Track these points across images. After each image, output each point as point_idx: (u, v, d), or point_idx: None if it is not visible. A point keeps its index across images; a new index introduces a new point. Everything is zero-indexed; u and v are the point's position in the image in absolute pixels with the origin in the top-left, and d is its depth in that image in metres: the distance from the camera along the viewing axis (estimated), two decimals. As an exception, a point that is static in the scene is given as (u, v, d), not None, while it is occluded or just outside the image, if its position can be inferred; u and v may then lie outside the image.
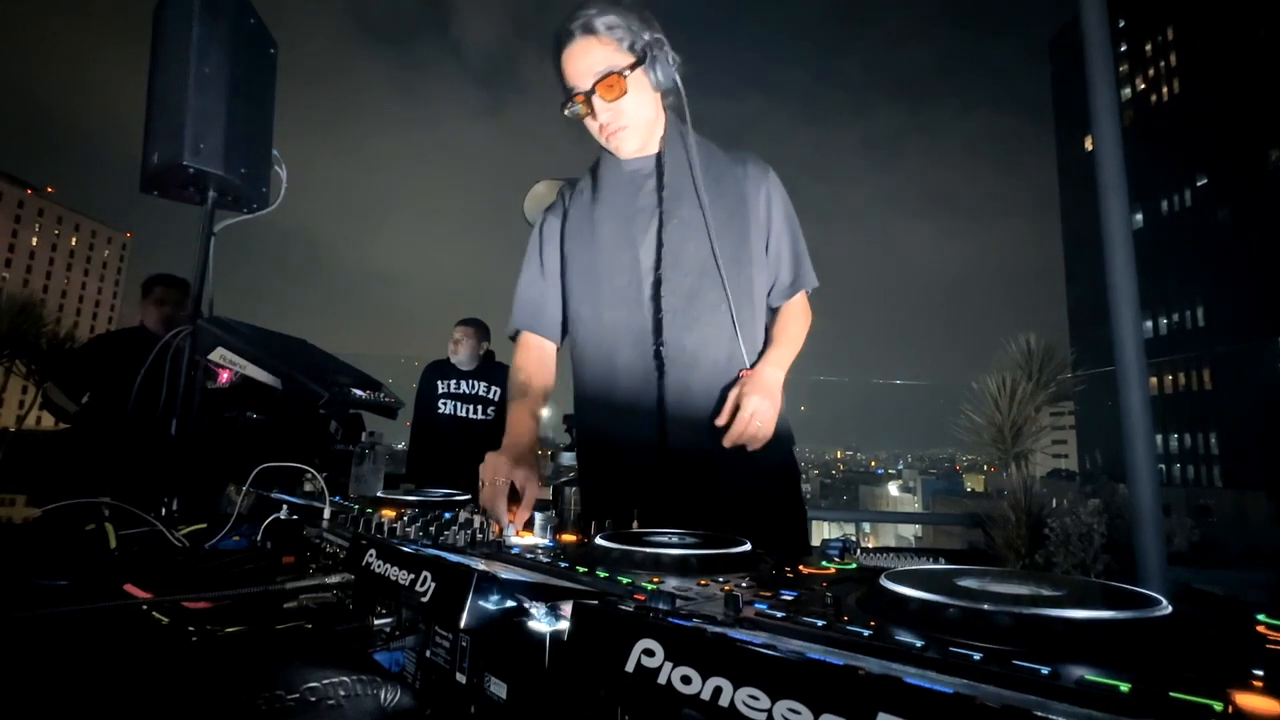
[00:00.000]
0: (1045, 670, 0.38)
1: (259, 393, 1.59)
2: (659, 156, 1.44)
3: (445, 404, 3.95)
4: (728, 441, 1.24)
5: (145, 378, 1.75)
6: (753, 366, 1.36)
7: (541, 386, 1.47)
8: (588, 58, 1.34)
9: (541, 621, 0.57)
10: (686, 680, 0.43)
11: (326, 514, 1.11)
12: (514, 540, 0.96)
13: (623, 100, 1.35)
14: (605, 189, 1.44)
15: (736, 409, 1.26)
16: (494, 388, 3.99)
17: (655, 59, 1.36)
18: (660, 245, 1.37)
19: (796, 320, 1.47)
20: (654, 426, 1.33)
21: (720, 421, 1.26)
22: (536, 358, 1.50)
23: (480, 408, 3.96)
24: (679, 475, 1.30)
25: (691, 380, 1.33)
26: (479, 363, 3.98)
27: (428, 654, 0.69)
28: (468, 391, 3.96)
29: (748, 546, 0.80)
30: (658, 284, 1.36)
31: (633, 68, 1.34)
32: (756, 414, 1.24)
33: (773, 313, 1.49)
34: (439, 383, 3.97)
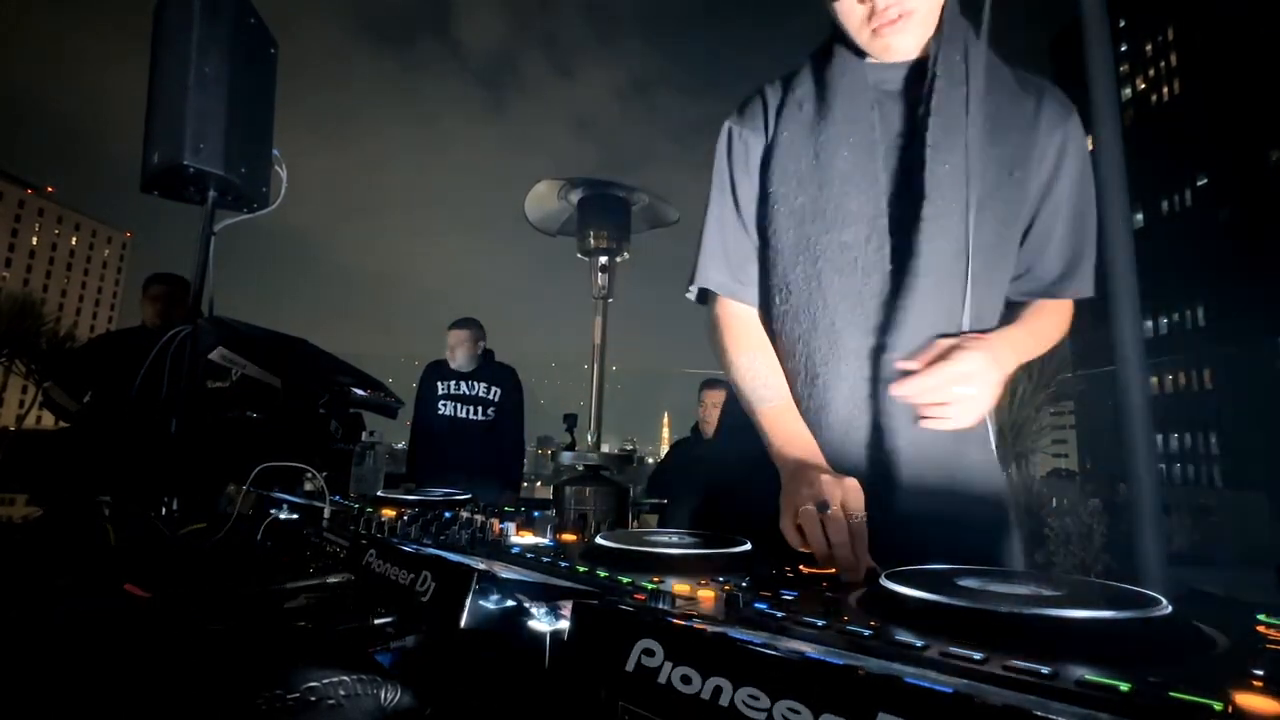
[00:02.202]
0: (1045, 670, 0.38)
1: (259, 392, 1.59)
2: (921, 66, 1.01)
3: (445, 405, 3.95)
4: (901, 389, 0.89)
5: (145, 377, 1.75)
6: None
7: (775, 363, 1.06)
8: None
9: (541, 621, 0.57)
10: (686, 680, 0.43)
11: (326, 514, 1.11)
12: (514, 540, 0.96)
13: None
14: (839, 100, 1.02)
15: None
16: (494, 388, 3.97)
17: None
18: (922, 197, 0.95)
19: (1052, 318, 1.06)
20: (863, 461, 0.98)
21: (918, 363, 0.90)
22: (747, 330, 1.11)
23: (480, 409, 3.95)
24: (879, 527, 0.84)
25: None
26: (479, 363, 3.97)
27: (428, 654, 0.69)
28: (467, 392, 3.95)
29: (748, 546, 0.80)
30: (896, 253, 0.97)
31: None
32: (967, 376, 0.87)
33: (1008, 310, 1.06)
34: (439, 384, 3.97)
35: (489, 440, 3.91)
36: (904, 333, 0.95)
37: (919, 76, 1.01)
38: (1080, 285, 1.04)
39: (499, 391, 3.96)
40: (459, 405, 3.94)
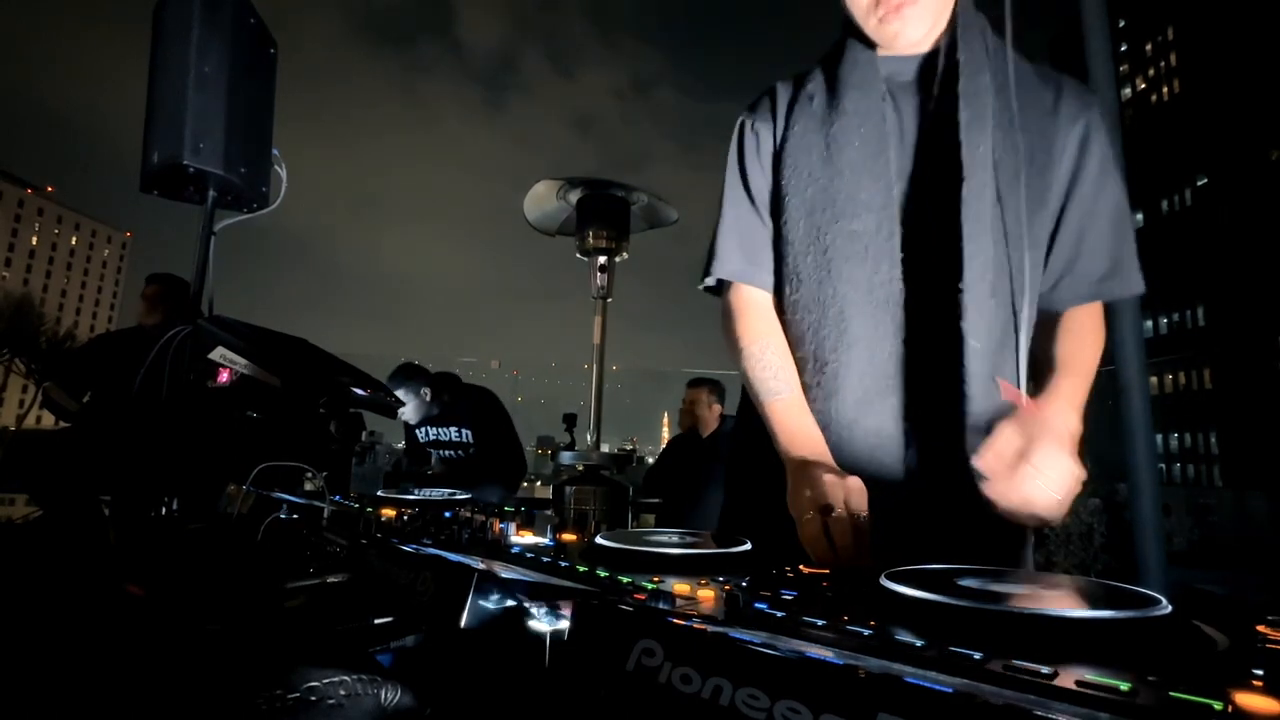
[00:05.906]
0: (1045, 670, 0.38)
1: (259, 392, 1.59)
2: (933, 59, 1.03)
3: (434, 452, 3.85)
4: (997, 495, 0.81)
5: (145, 376, 1.75)
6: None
7: (787, 354, 1.07)
8: None
9: (541, 621, 0.57)
10: (686, 680, 0.43)
11: (326, 514, 1.11)
12: (514, 540, 0.96)
13: None
14: (850, 94, 1.04)
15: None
16: (463, 430, 3.76)
17: None
18: (959, 179, 0.95)
19: (1091, 340, 1.01)
20: (896, 451, 0.97)
21: (981, 463, 0.81)
22: (760, 317, 1.11)
23: (458, 451, 3.80)
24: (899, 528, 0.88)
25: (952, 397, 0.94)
26: (439, 408, 3.74)
27: (428, 654, 0.69)
28: (443, 438, 3.81)
29: (748, 546, 0.80)
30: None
31: None
32: (1047, 470, 0.79)
33: (1045, 323, 1.02)
34: (417, 433, 3.84)
35: (484, 470, 3.76)
36: (922, 319, 0.97)
37: (932, 68, 1.03)
38: (1127, 282, 1.02)
39: (469, 432, 3.78)
40: (442, 449, 3.86)
